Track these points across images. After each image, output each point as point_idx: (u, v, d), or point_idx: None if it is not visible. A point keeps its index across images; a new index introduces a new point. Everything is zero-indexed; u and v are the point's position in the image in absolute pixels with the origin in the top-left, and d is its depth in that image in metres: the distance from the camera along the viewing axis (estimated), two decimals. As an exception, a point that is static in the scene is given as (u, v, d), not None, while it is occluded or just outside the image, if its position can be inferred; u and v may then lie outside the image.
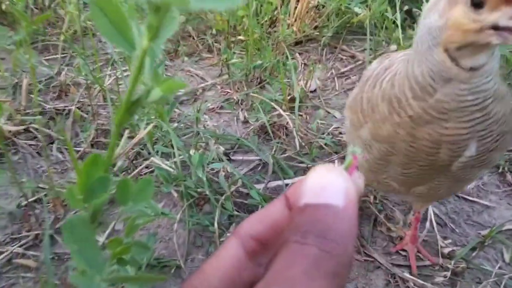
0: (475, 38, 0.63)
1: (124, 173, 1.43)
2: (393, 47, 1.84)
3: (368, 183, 0.99)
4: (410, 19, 2.00)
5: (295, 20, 2.17)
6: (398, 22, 1.73)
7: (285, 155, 1.50)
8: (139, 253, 0.76)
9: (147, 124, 1.33)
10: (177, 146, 1.29)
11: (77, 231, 0.44)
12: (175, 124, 1.62)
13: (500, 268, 1.18)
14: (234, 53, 1.95)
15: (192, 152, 1.29)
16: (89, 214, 0.45)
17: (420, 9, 1.77)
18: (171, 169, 1.25)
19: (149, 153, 1.39)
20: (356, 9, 2.10)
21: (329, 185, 0.32)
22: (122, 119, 0.44)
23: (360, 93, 0.88)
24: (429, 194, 0.95)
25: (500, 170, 1.49)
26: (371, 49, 1.93)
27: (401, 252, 1.23)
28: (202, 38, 2.17)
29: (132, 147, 1.46)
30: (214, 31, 2.15)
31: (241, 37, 1.90)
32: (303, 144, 1.53)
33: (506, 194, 1.43)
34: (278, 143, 1.55)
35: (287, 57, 1.85)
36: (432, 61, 0.68)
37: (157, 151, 1.39)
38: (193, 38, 2.13)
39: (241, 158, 1.52)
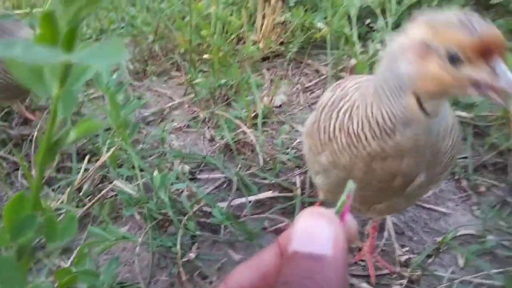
0: (454, 90, 0.63)
1: (90, 197, 1.44)
2: (353, 61, 1.90)
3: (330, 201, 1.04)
4: (371, 32, 2.08)
5: (262, 37, 2.23)
6: (355, 37, 1.80)
7: (250, 171, 1.53)
8: (89, 281, 0.77)
9: (109, 148, 1.34)
10: (140, 168, 1.31)
11: (4, 271, 0.46)
12: (141, 145, 1.64)
13: (453, 273, 1.23)
14: (201, 71, 1.99)
15: (155, 173, 1.31)
16: (15, 253, 0.47)
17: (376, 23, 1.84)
18: (133, 192, 1.27)
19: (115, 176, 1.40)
20: (319, 25, 2.17)
21: (318, 233, 0.31)
22: (44, 160, 0.46)
23: (317, 122, 0.90)
24: (388, 210, 1.01)
25: (456, 177, 1.56)
26: (334, 63, 2.00)
27: (360, 262, 1.27)
28: (171, 57, 2.20)
29: (96, 171, 1.48)
30: (182, 50, 2.18)
31: (206, 56, 1.93)
32: (268, 159, 1.57)
33: (462, 201, 1.49)
34: (243, 159, 1.59)
35: (255, 74, 1.90)
36: (398, 106, 0.69)
37: (122, 175, 1.40)
38: (161, 58, 2.16)
39: (206, 176, 1.55)
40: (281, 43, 2.29)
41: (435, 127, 0.72)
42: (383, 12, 1.84)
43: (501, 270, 1.22)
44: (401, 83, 0.67)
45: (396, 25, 1.84)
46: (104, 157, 1.34)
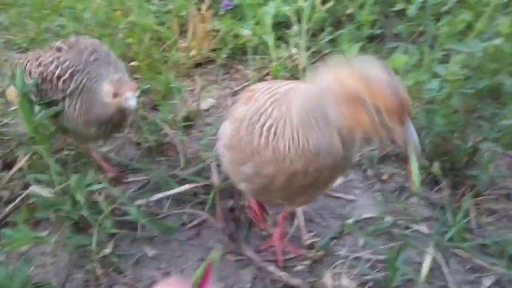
0: (373, 135, 0.79)
1: (10, 204, 1.45)
2: (273, 63, 2.03)
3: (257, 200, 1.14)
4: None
5: (195, 44, 2.31)
6: (271, 43, 1.93)
7: (172, 172, 1.60)
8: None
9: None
10: (58, 172, 1.34)
11: None
12: (66, 152, 1.67)
13: (353, 251, 1.37)
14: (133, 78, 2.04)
15: (73, 177, 1.35)
16: None
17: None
18: (49, 195, 1.30)
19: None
20: (245, 32, 2.29)
21: None
22: None
23: (237, 135, 0.96)
24: (309, 200, 1.16)
25: (363, 167, 1.71)
26: (257, 68, 2.13)
27: (271, 248, 1.38)
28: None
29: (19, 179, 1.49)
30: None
31: (134, 63, 1.99)
32: (190, 159, 1.65)
33: (367, 188, 1.65)
34: (167, 160, 1.66)
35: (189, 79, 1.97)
36: (324, 139, 0.83)
37: (39, 180, 1.42)
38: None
39: (132, 179, 1.61)
40: (213, 50, 2.38)
41: (351, 154, 0.91)
42: (299, 20, 1.99)
43: (392, 245, 1.37)
44: (327, 120, 0.81)
45: (308, 31, 2.01)
46: (21, 163, 1.36)
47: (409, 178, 0.80)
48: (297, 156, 0.86)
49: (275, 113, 0.89)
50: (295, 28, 1.95)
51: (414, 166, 0.82)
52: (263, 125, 0.91)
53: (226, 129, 1.06)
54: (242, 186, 1.10)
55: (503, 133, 1.41)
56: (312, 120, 0.82)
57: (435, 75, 1.45)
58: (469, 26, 1.68)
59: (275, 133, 0.88)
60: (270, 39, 1.92)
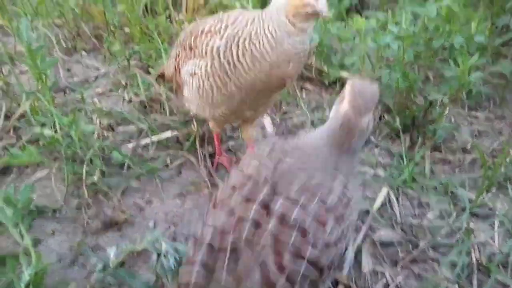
0: (301, 9, 1.09)
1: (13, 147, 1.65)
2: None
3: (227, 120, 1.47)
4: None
5: (189, 16, 2.47)
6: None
7: (159, 121, 1.79)
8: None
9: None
10: (56, 116, 1.53)
11: None
12: (64, 108, 1.86)
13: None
14: (125, 43, 2.22)
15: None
16: None
17: None
18: (52, 134, 1.49)
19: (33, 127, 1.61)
20: (236, 3, 2.45)
21: None
22: None
23: (216, 61, 1.22)
24: (267, 108, 1.48)
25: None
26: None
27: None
28: (101, 35, 2.41)
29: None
30: (112, 28, 2.39)
31: (127, 30, 2.17)
32: (174, 111, 1.84)
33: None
34: (154, 113, 1.85)
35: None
36: (281, 23, 1.11)
37: (43, 124, 1.61)
38: (88, 35, 2.37)
39: (122, 128, 1.80)
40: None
41: (305, 40, 1.16)
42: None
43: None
44: (278, 8, 1.11)
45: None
46: (25, 107, 1.55)
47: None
48: (270, 45, 1.14)
49: (246, 30, 1.17)
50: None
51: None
52: (238, 41, 1.18)
53: (194, 64, 1.31)
54: (217, 112, 1.38)
55: (449, 86, 1.57)
56: (273, 17, 1.13)
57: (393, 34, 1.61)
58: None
59: (250, 41, 1.16)
60: (250, 7, 2.07)
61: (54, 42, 2.30)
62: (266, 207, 0.91)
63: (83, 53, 2.33)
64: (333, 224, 0.91)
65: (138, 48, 2.05)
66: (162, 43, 2.00)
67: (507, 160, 1.63)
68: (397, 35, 1.54)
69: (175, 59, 1.44)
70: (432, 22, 1.66)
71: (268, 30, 1.14)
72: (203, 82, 1.31)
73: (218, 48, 1.24)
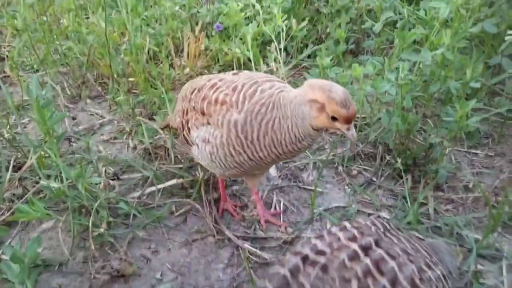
0: (330, 129, 1.22)
1: (23, 198, 1.66)
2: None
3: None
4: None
5: (190, 62, 2.56)
6: (251, 58, 2.18)
7: (163, 169, 1.81)
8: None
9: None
10: (63, 168, 1.55)
11: None
12: (70, 156, 1.89)
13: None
14: (130, 91, 2.29)
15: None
16: None
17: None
18: (58, 186, 1.50)
19: (39, 178, 1.63)
20: (236, 50, 2.54)
21: None
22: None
23: (234, 132, 1.28)
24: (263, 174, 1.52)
25: (335, 165, 1.91)
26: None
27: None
28: (105, 82, 2.48)
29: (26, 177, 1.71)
30: (116, 77, 2.47)
31: (131, 79, 2.24)
32: (180, 159, 1.86)
33: (338, 183, 1.84)
34: (159, 161, 1.87)
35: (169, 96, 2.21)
36: (304, 128, 1.23)
37: (49, 176, 1.63)
38: (93, 83, 2.44)
39: (127, 176, 1.82)
40: (205, 67, 2.64)
41: (319, 134, 1.31)
42: (277, 38, 2.24)
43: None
44: (304, 117, 1.21)
45: (285, 49, 2.26)
46: (32, 161, 1.58)
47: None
48: (290, 140, 1.25)
49: (269, 114, 1.26)
50: (273, 45, 2.19)
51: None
52: (261, 121, 1.26)
53: (210, 133, 1.36)
54: (226, 173, 1.43)
55: (448, 129, 1.61)
56: (298, 119, 1.22)
57: (390, 82, 1.67)
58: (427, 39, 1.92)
59: (272, 128, 1.25)
60: (251, 54, 2.15)
61: (59, 90, 2.37)
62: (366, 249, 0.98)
63: (88, 100, 2.40)
64: None
65: (142, 98, 2.10)
66: (166, 92, 2.06)
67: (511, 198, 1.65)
68: (395, 82, 1.60)
69: (182, 115, 1.47)
70: (427, 68, 1.72)
71: (292, 130, 1.24)
72: (216, 150, 1.35)
73: (236, 122, 1.28)
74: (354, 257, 0.96)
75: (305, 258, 0.99)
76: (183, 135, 1.49)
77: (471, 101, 1.53)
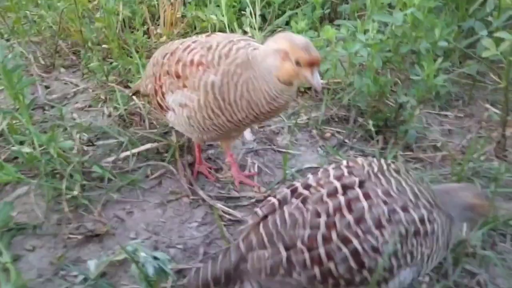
0: (295, 78, 1.22)
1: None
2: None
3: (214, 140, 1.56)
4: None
5: (167, 30, 2.51)
6: (226, 24, 2.16)
7: (139, 134, 1.82)
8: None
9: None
10: (33, 132, 1.55)
11: None
12: (43, 124, 1.88)
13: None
14: (104, 59, 2.25)
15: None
16: None
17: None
18: (31, 151, 1.50)
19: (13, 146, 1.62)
20: (212, 17, 2.50)
21: None
22: None
23: (211, 95, 1.28)
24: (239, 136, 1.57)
25: (309, 128, 1.94)
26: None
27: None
28: (79, 51, 2.43)
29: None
30: (89, 44, 2.42)
31: (105, 46, 2.20)
32: (154, 123, 1.87)
33: (312, 145, 1.88)
34: (134, 126, 1.88)
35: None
36: (274, 83, 1.24)
37: (22, 142, 1.62)
38: (66, 51, 2.39)
39: (102, 142, 1.82)
40: (183, 35, 2.60)
41: (293, 92, 1.32)
42: (253, 3, 2.22)
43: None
44: (270, 70, 1.21)
45: (261, 15, 2.24)
46: (2, 126, 1.57)
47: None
48: (265, 100, 1.26)
49: (244, 74, 1.26)
50: (248, 10, 2.17)
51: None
52: (237, 83, 1.26)
53: (184, 96, 1.35)
54: (205, 136, 1.45)
55: (416, 89, 1.64)
56: (265, 72, 1.23)
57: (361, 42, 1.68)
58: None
59: (247, 89, 1.26)
60: (225, 20, 2.13)
61: (32, 59, 2.32)
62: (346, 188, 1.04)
63: (62, 69, 2.35)
64: (391, 234, 0.99)
65: (116, 64, 2.08)
66: (140, 58, 2.04)
67: (475, 156, 1.71)
68: (366, 43, 1.61)
69: (155, 81, 1.46)
70: (399, 29, 1.74)
71: (263, 88, 1.24)
72: (195, 113, 1.35)
73: (213, 84, 1.28)
74: (332, 194, 1.03)
75: (294, 191, 1.08)
76: (157, 100, 1.49)
77: (438, 60, 1.56)
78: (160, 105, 1.48)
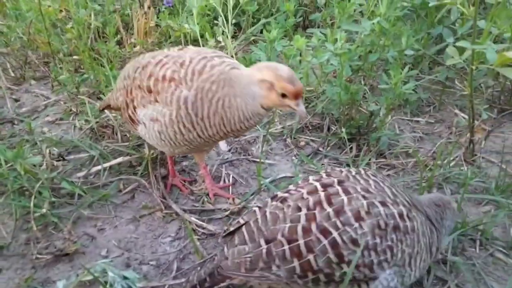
0: (280, 107, 1.27)
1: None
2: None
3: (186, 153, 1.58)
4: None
5: (140, 39, 2.49)
6: (197, 33, 2.15)
7: (111, 147, 1.79)
8: None
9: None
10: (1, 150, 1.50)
11: None
12: (11, 139, 1.83)
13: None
14: (76, 71, 2.21)
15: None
16: None
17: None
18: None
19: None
20: (185, 26, 2.50)
21: None
22: None
23: (183, 110, 1.28)
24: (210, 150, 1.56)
25: (284, 137, 1.95)
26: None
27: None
28: (51, 62, 2.38)
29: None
30: (61, 55, 2.37)
31: (76, 57, 2.16)
32: (128, 137, 1.84)
33: (287, 154, 1.89)
34: (106, 140, 1.84)
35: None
36: (254, 107, 1.26)
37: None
38: (36, 63, 2.34)
39: (73, 157, 1.78)
40: (157, 44, 2.58)
41: (267, 114, 1.35)
42: (224, 11, 2.22)
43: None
44: (254, 96, 1.25)
45: (235, 23, 2.24)
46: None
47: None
48: (239, 119, 1.28)
49: (223, 93, 1.27)
50: (220, 19, 2.17)
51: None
52: (212, 99, 1.27)
53: (157, 111, 1.35)
54: (176, 150, 1.45)
55: (385, 96, 1.67)
56: (247, 98, 1.26)
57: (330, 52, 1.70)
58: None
59: (223, 106, 1.27)
60: (197, 29, 2.13)
61: (0, 72, 2.26)
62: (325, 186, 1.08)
63: (32, 82, 2.30)
64: (371, 228, 1.01)
65: (87, 76, 2.04)
66: (111, 69, 2.01)
67: (445, 161, 1.75)
68: (334, 52, 1.63)
69: (126, 94, 1.44)
70: (368, 38, 1.76)
71: (240, 107, 1.26)
72: (166, 128, 1.34)
73: (186, 99, 1.28)
74: (312, 191, 1.08)
75: (274, 197, 1.15)
76: (128, 114, 1.47)
77: (406, 68, 1.59)
78: (131, 118, 1.46)
